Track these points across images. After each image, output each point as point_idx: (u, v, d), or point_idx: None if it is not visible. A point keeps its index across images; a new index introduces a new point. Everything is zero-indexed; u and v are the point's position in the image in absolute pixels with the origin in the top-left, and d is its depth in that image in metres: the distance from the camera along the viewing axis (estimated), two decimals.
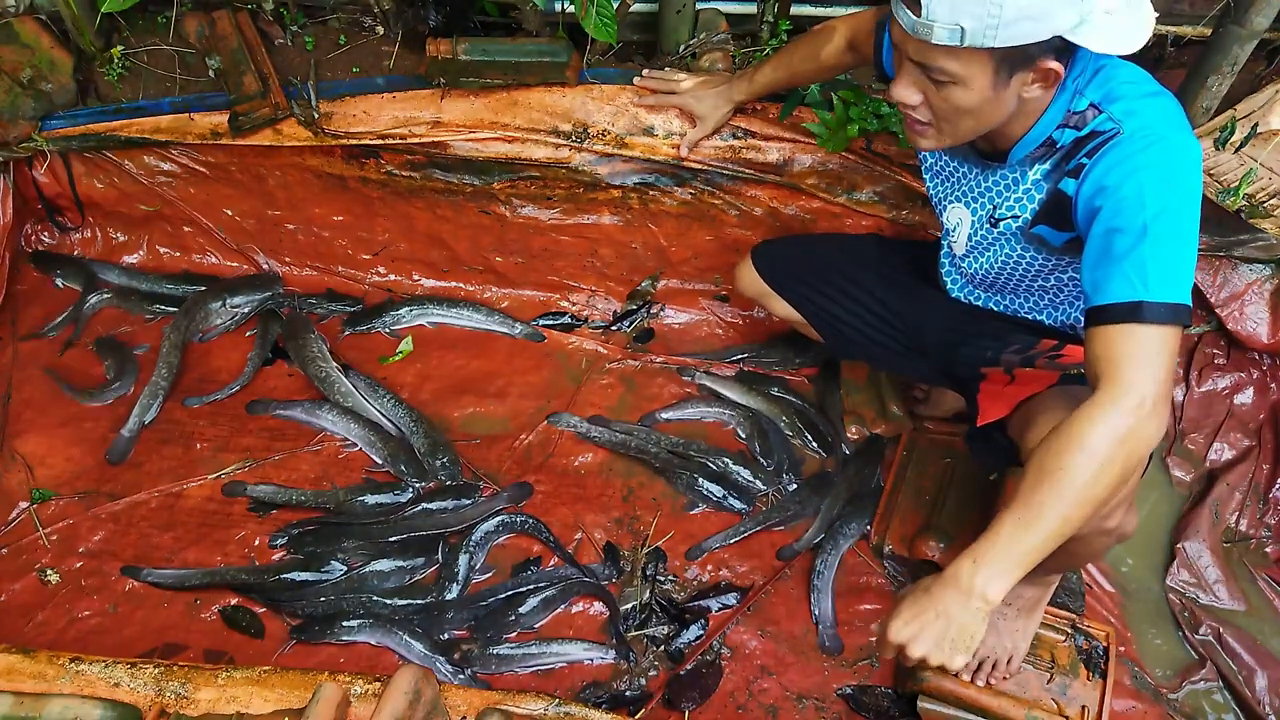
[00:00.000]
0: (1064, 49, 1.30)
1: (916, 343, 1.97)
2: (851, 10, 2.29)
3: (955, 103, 1.35)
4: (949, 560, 2.02)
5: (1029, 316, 1.77)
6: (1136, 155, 1.32)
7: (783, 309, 2.13)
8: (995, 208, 1.59)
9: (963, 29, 1.24)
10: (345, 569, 2.06)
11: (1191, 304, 1.29)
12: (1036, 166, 1.49)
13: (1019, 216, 1.55)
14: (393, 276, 2.67)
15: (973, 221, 1.66)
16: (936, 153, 1.70)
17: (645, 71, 2.20)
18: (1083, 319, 1.69)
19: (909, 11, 1.27)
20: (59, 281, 2.56)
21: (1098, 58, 1.39)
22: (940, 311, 1.91)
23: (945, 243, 1.82)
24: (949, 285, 1.89)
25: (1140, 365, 1.24)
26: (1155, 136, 1.32)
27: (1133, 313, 1.26)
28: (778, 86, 2.08)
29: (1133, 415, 1.23)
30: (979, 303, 1.85)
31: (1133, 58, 1.36)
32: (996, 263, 1.66)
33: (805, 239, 2.28)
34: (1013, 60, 1.29)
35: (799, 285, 2.09)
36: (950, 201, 1.71)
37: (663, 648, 1.99)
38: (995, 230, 1.61)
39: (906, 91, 1.39)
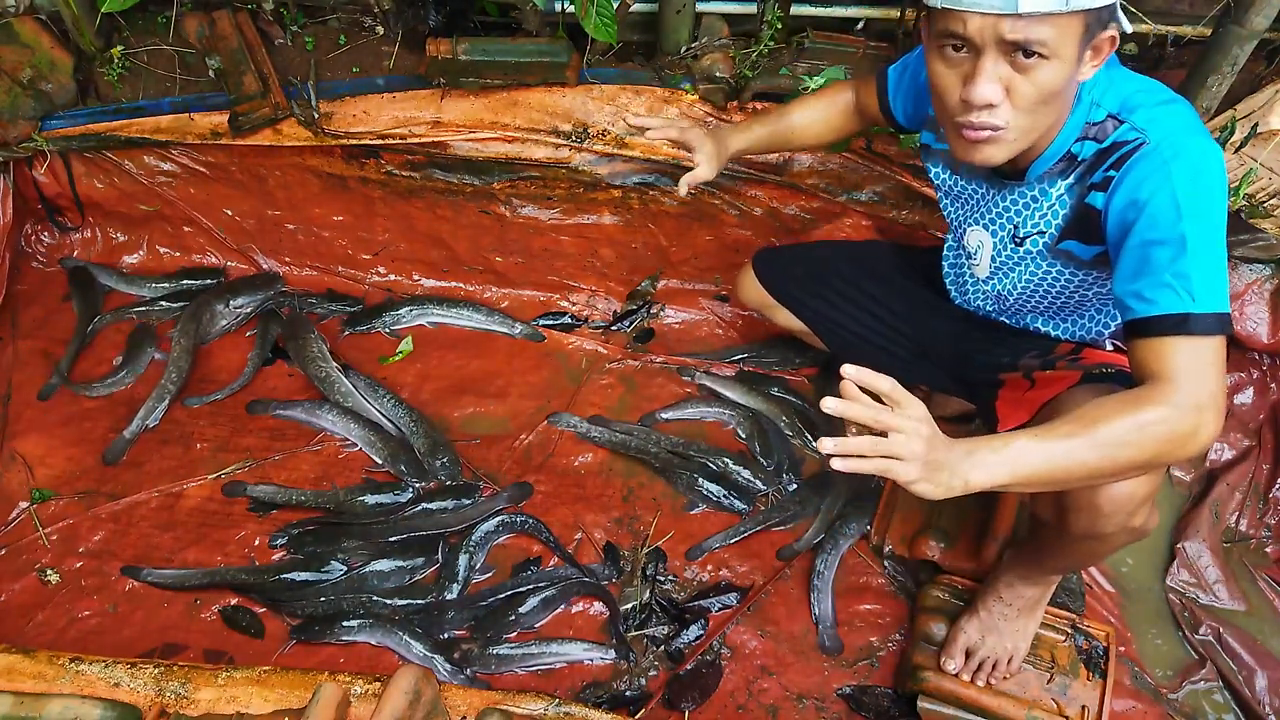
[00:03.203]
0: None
1: (925, 350, 1.95)
2: (852, 10, 2.30)
3: (1043, 84, 1.29)
4: (949, 561, 2.04)
5: (1044, 329, 1.74)
6: (1166, 165, 1.30)
7: (785, 319, 2.13)
8: (1016, 226, 1.56)
9: None
10: (345, 569, 2.06)
11: (1229, 310, 1.29)
12: (1059, 182, 1.46)
13: (1045, 232, 1.52)
14: (393, 276, 2.67)
15: (994, 244, 1.63)
16: (948, 174, 1.67)
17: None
18: (1105, 332, 1.65)
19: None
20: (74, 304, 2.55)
21: (1107, 69, 1.38)
22: (950, 319, 1.88)
23: (949, 252, 1.81)
24: (953, 294, 1.88)
25: (1197, 376, 1.24)
26: (1181, 145, 1.31)
27: (1181, 325, 1.25)
28: (775, 144, 2.00)
29: (1193, 416, 1.22)
30: (990, 316, 1.82)
31: (1133, 61, 1.36)
32: (1022, 281, 1.63)
33: (805, 246, 2.25)
34: (1095, 21, 1.27)
35: (802, 294, 2.07)
36: (969, 225, 1.67)
37: (663, 648, 1.99)
38: (1020, 249, 1.58)
39: (991, 89, 1.30)
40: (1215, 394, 1.23)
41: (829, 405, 1.14)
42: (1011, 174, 1.51)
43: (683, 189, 1.95)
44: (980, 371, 1.81)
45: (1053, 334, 1.73)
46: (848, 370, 1.15)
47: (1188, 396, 1.22)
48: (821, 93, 1.94)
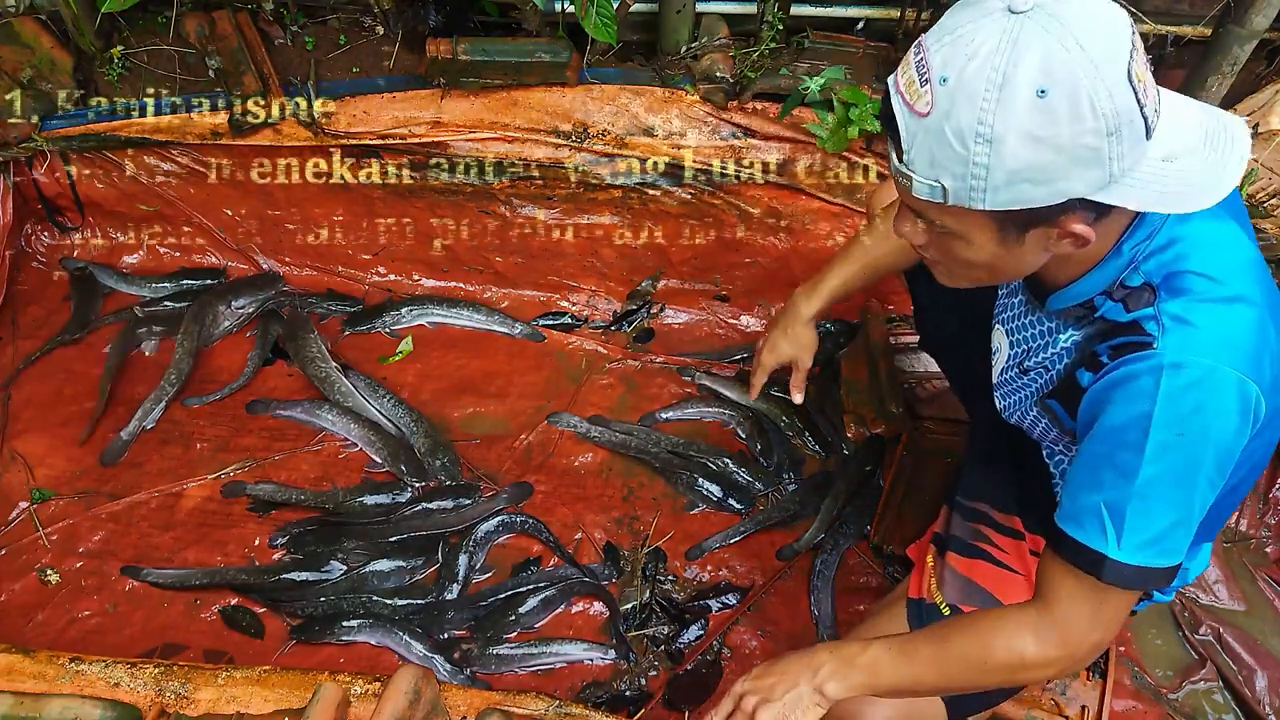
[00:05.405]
0: (1095, 207, 1.03)
1: (972, 408, 1.82)
2: (852, 10, 2.30)
3: (959, 256, 1.12)
4: None
5: (1043, 456, 1.51)
6: (1159, 384, 1.06)
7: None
8: (1027, 353, 1.35)
9: (944, 187, 1.01)
10: (345, 569, 2.06)
11: (1173, 565, 1.11)
12: (1070, 330, 1.23)
13: (1043, 376, 1.32)
14: (393, 276, 2.67)
15: (1009, 356, 1.43)
16: None
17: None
18: None
19: (893, 150, 1.05)
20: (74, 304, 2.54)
21: (1182, 220, 1.12)
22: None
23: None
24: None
25: (1082, 622, 1.15)
26: (1196, 372, 1.06)
27: (1094, 566, 1.11)
28: (853, 285, 1.76)
29: (1050, 650, 1.16)
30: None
31: None
32: (1018, 410, 1.43)
33: None
34: (1020, 220, 1.03)
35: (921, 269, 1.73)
36: (997, 321, 1.47)
37: (663, 648, 1.99)
38: (1023, 379, 1.38)
39: (908, 228, 1.16)
40: (1089, 648, 1.16)
41: None
42: (1038, 294, 1.28)
43: (796, 398, 1.85)
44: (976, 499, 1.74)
45: (1052, 470, 1.50)
46: None
47: (1058, 637, 1.16)
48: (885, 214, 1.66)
